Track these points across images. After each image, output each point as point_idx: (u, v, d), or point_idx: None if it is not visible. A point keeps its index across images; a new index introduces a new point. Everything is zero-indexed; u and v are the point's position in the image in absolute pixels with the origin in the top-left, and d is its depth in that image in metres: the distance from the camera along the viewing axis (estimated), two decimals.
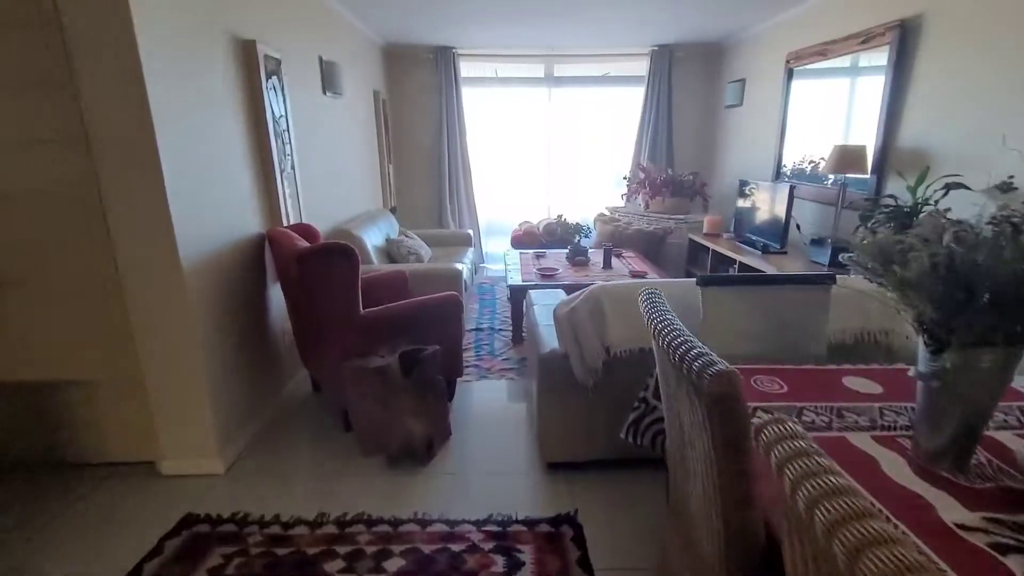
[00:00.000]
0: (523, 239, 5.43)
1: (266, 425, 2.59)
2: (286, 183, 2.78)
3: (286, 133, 2.79)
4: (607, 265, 3.91)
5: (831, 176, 3.44)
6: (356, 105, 4.26)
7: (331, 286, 2.29)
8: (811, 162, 3.82)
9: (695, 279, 1.70)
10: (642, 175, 5.16)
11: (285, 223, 2.78)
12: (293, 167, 2.88)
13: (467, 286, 3.79)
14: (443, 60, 5.33)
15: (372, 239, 3.75)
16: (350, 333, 2.36)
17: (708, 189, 5.02)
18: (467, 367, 3.24)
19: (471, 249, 4.78)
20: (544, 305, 2.64)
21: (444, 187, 5.65)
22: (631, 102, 5.77)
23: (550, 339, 2.13)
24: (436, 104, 5.52)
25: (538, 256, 4.32)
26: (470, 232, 5.03)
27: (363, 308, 2.40)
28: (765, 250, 3.71)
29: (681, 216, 4.83)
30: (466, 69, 5.51)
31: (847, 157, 3.07)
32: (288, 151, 2.82)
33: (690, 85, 5.64)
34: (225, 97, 2.31)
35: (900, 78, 2.92)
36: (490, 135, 5.81)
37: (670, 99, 5.51)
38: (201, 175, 2.12)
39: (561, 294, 2.75)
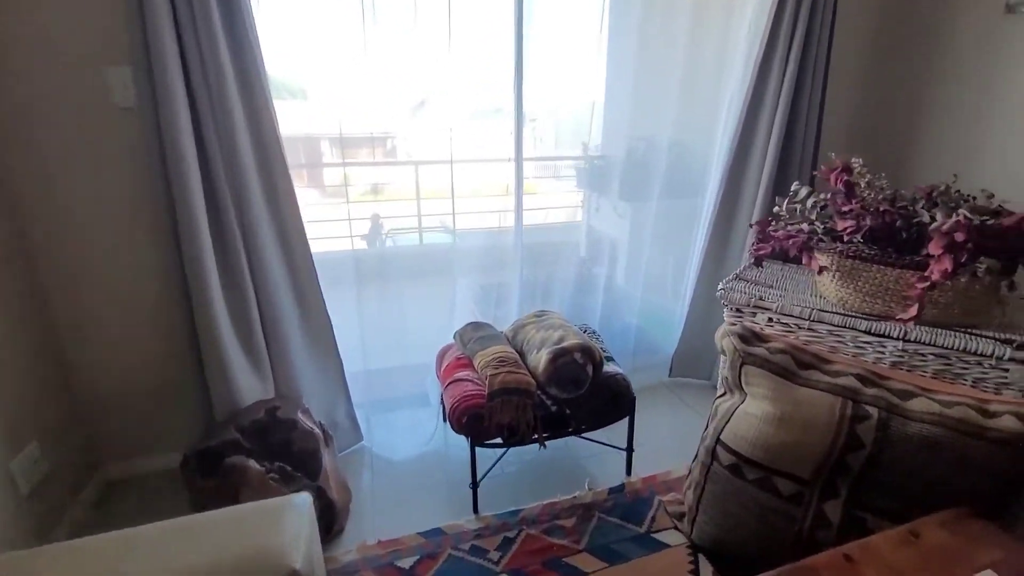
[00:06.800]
0: (480, 413, 1.60)
1: None
2: None
3: None
4: None
5: None
6: None
7: None
8: None
9: None
10: (852, 201, 1.65)
11: None
12: None
13: None
14: None
15: None
16: None
17: None
18: None
19: None
20: None
21: (194, 224, 1.57)
22: (729, 13, 2.22)
23: None
24: None
25: None
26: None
27: None
28: None
29: None
30: None
31: None
32: None
33: None
34: None
35: None
36: (344, 66, 1.86)
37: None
38: None
39: None
